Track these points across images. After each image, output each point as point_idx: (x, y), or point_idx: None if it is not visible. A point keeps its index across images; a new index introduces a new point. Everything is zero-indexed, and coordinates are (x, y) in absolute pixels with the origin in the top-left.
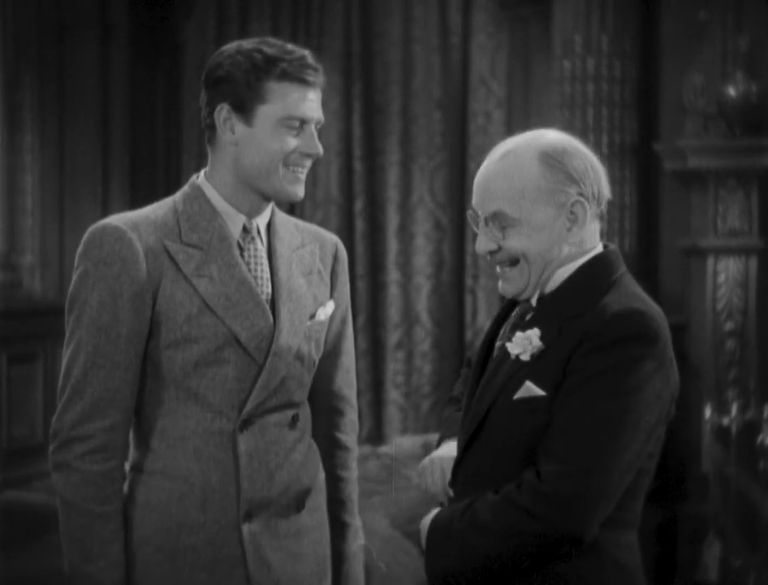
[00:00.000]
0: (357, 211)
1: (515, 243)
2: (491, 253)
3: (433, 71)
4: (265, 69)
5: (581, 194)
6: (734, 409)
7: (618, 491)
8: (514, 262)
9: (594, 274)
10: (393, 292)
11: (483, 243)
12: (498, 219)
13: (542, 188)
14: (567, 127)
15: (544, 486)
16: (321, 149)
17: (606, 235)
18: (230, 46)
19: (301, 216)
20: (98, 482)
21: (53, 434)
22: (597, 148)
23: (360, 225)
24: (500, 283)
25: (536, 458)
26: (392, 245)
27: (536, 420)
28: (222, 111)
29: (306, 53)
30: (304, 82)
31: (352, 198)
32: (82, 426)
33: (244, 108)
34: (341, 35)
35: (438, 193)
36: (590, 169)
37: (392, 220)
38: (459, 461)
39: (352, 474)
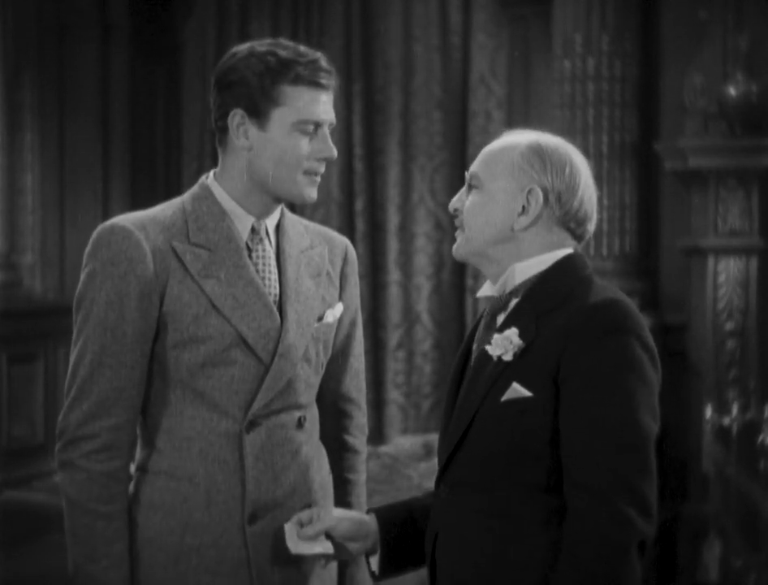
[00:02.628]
0: (358, 211)
1: (469, 204)
2: (456, 211)
3: (433, 71)
4: (280, 72)
5: (544, 187)
6: (734, 409)
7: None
8: (464, 226)
9: (565, 270)
10: (393, 292)
11: (454, 199)
12: (472, 179)
13: (515, 163)
14: (568, 127)
15: (601, 506)
16: (335, 152)
17: (606, 235)
18: (242, 48)
19: (301, 216)
20: (103, 481)
21: (59, 433)
22: (597, 148)
23: (360, 225)
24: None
25: (565, 470)
26: (392, 245)
27: (524, 421)
28: (236, 116)
29: (319, 55)
30: (318, 85)
31: (353, 198)
32: (87, 425)
33: (259, 112)
34: (341, 34)
35: (439, 193)
36: (569, 175)
37: (392, 220)
38: (446, 468)
39: (360, 476)
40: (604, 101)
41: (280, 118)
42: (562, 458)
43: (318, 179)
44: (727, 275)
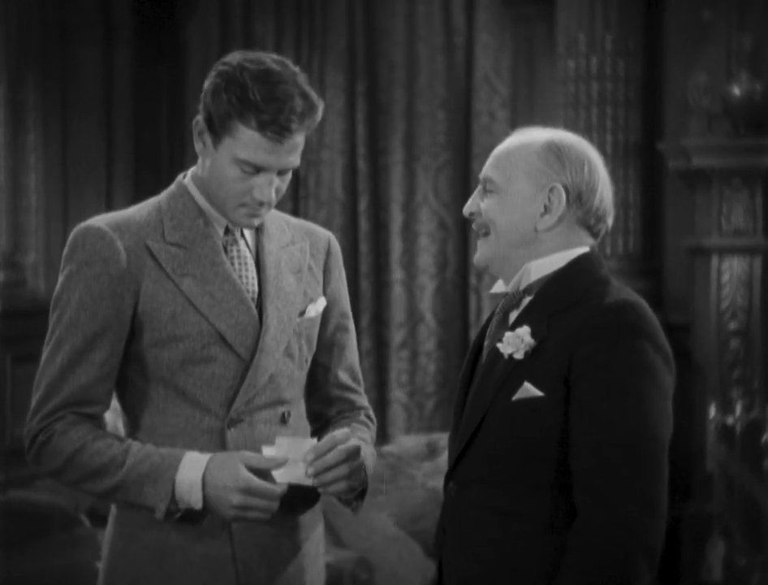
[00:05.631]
0: (361, 210)
1: (488, 208)
2: (472, 216)
3: (437, 71)
4: (239, 111)
5: (564, 186)
6: (738, 409)
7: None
8: (487, 231)
9: (580, 270)
10: (397, 291)
11: (468, 203)
12: (486, 184)
13: (531, 164)
14: (571, 127)
15: (618, 517)
16: (271, 197)
17: (609, 234)
18: (233, 62)
19: (305, 215)
20: (69, 427)
21: (25, 434)
22: (601, 147)
23: (363, 224)
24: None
25: (576, 475)
26: (396, 245)
27: (535, 421)
28: (198, 124)
29: (299, 108)
30: (276, 140)
31: (356, 197)
32: (52, 416)
33: (214, 132)
34: (345, 34)
35: (442, 193)
36: (588, 173)
37: (396, 219)
38: (456, 463)
39: (367, 435)
40: (608, 101)
41: (228, 147)
42: (570, 460)
43: (260, 212)
44: (730, 274)
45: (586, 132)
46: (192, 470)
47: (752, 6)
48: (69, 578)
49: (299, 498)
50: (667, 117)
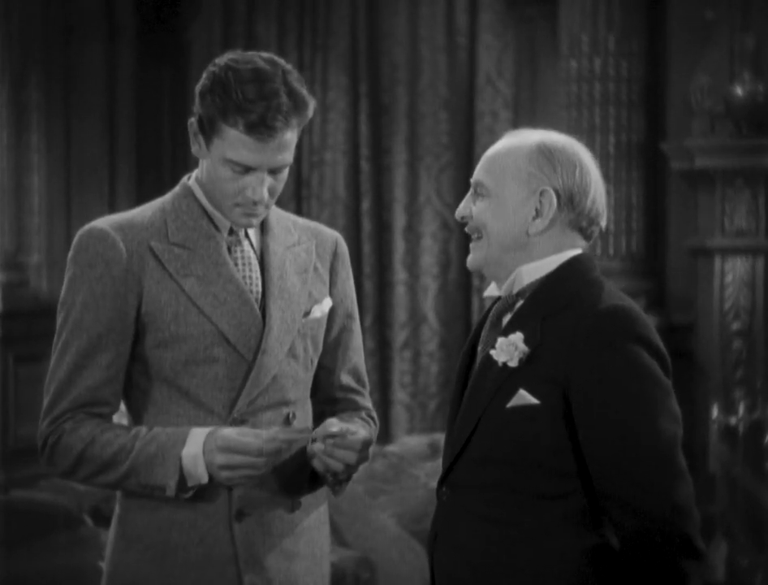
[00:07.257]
0: (364, 211)
1: (479, 212)
2: (464, 219)
3: (439, 71)
4: (223, 112)
5: (555, 190)
6: (741, 409)
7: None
8: (480, 234)
9: (571, 272)
10: (400, 291)
11: (460, 207)
12: (477, 188)
13: (522, 169)
14: (574, 127)
15: (649, 523)
16: (263, 196)
17: (612, 235)
18: (220, 63)
19: (308, 215)
20: (77, 426)
21: (38, 437)
22: (603, 148)
23: (366, 225)
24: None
25: (603, 487)
26: (399, 245)
27: (530, 428)
28: (193, 125)
29: (285, 106)
30: (262, 139)
31: (359, 198)
32: (60, 419)
33: (205, 133)
34: (347, 34)
35: (445, 193)
36: (579, 175)
37: (399, 220)
38: (450, 468)
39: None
40: (610, 102)
41: (217, 148)
42: (592, 473)
43: (257, 211)
44: (733, 275)
45: (589, 132)
46: (195, 444)
47: (754, 6)
48: (72, 579)
49: (296, 478)
50: (670, 117)
